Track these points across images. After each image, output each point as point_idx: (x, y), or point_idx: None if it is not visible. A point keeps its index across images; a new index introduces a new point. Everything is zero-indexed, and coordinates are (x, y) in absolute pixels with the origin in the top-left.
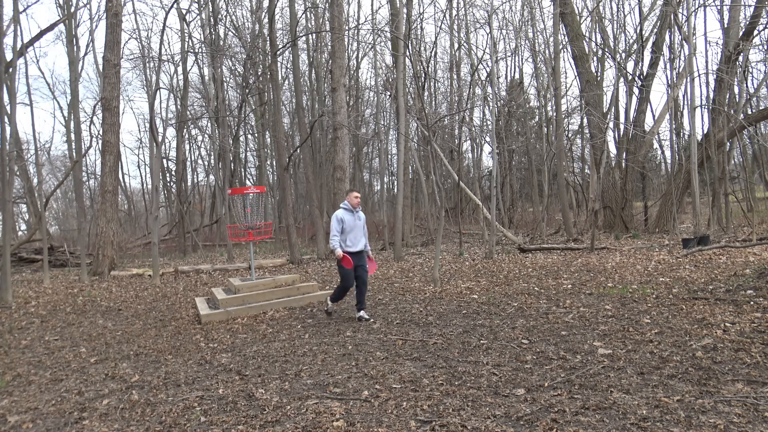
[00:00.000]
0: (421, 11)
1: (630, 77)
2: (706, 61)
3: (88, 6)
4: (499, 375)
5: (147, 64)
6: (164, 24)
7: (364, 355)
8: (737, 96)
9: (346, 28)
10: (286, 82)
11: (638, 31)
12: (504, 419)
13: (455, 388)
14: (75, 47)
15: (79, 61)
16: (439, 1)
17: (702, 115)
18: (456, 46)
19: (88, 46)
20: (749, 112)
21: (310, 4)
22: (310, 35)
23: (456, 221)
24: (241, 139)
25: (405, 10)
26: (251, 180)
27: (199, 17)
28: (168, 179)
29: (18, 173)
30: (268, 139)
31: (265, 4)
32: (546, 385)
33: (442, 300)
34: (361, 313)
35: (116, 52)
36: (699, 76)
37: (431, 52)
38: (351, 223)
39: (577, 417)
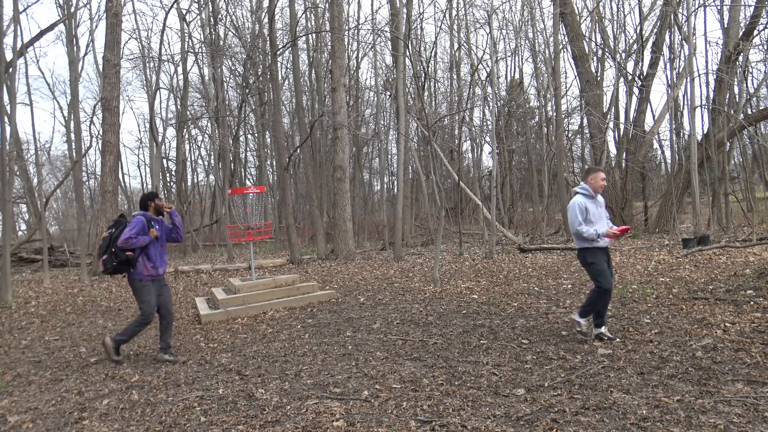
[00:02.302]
0: (421, 11)
1: (630, 77)
2: (706, 61)
3: (88, 6)
4: (499, 375)
5: (147, 64)
6: (164, 24)
7: (364, 355)
8: (737, 96)
9: (346, 28)
10: (286, 82)
11: (638, 31)
12: (504, 419)
13: (455, 388)
14: (75, 47)
15: (79, 61)
16: (439, 1)
17: (702, 115)
18: (456, 46)
19: (88, 46)
20: (749, 112)
21: (310, 4)
22: (310, 35)
23: (456, 221)
24: (241, 139)
25: (405, 10)
26: (251, 180)
27: (199, 17)
28: (168, 179)
29: (18, 173)
30: (268, 139)
31: (265, 4)
32: (546, 385)
33: (442, 300)
34: (602, 329)
35: (116, 52)
36: (699, 76)
37: (431, 52)
38: (594, 211)
39: (577, 417)
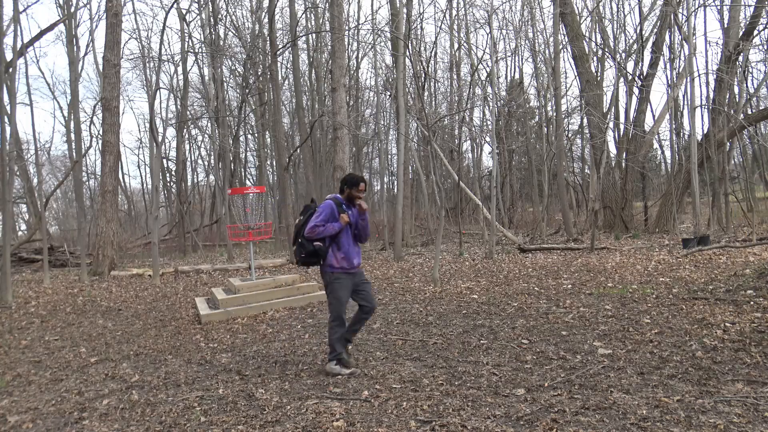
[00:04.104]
0: (421, 11)
1: (630, 77)
2: (706, 61)
3: (88, 6)
4: (499, 375)
5: (147, 64)
6: (164, 24)
7: (364, 355)
8: (737, 96)
9: (346, 28)
10: (286, 82)
11: (638, 31)
12: (504, 419)
13: (455, 388)
14: (75, 47)
15: (79, 61)
16: (439, 1)
17: (702, 115)
18: (456, 46)
19: (88, 46)
20: (749, 112)
21: (310, 4)
22: (310, 35)
23: (456, 221)
24: (241, 139)
25: (405, 10)
26: (251, 180)
27: (199, 17)
28: (168, 179)
29: (18, 173)
30: (268, 139)
31: (265, 4)
32: (546, 385)
33: (442, 300)
34: None
35: (116, 52)
36: (699, 76)
37: (431, 52)
38: None
39: (577, 417)
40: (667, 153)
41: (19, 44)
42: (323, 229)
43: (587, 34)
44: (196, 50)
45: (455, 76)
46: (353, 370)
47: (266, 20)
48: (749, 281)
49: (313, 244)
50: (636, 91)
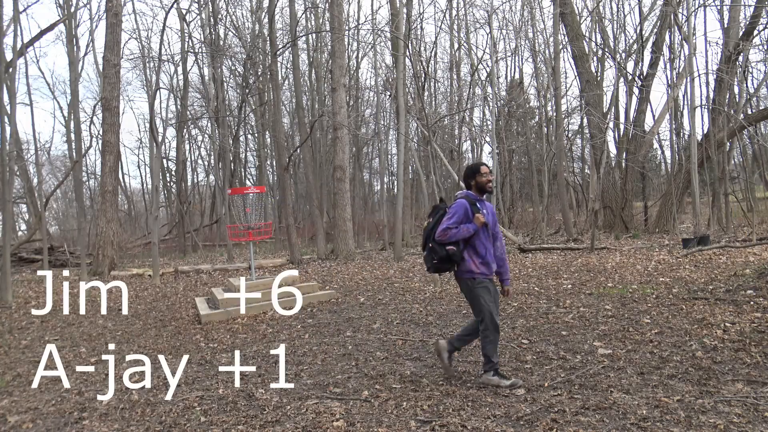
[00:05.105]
0: (421, 11)
1: (630, 77)
2: (706, 61)
3: (88, 6)
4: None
5: (147, 64)
6: (164, 24)
7: (364, 355)
8: (737, 96)
9: (346, 28)
10: (286, 82)
11: (638, 31)
12: (504, 419)
13: (455, 388)
14: (75, 47)
15: (79, 61)
16: (439, 1)
17: (702, 115)
18: (456, 46)
19: (88, 46)
20: (749, 112)
21: (310, 4)
22: (310, 35)
23: None
24: (241, 139)
25: (405, 10)
26: (251, 180)
27: (199, 17)
28: (168, 179)
29: (18, 173)
30: (268, 139)
31: (265, 4)
32: (546, 385)
33: (442, 300)
34: None
35: (116, 52)
36: (699, 76)
37: (431, 52)
38: None
39: (577, 417)
40: (667, 153)
41: (19, 44)
42: (456, 231)
43: (587, 34)
44: (196, 50)
45: (455, 76)
46: (514, 381)
47: (266, 20)
48: (749, 281)
49: (445, 248)
50: (636, 91)
